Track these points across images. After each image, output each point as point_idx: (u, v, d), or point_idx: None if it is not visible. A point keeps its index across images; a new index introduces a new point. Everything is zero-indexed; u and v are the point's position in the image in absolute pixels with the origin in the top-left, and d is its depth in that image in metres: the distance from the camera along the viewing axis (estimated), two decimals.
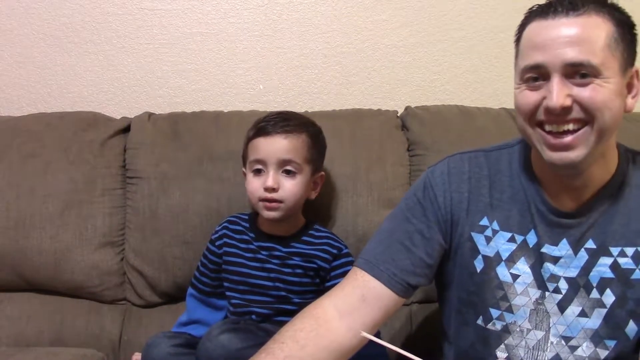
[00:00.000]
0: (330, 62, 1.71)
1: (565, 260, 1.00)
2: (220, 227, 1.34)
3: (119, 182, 1.48)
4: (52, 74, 1.70)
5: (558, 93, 0.89)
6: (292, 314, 1.07)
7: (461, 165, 1.08)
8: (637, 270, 0.98)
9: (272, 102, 1.71)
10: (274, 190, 1.23)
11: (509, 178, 1.05)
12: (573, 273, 1.00)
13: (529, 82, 0.94)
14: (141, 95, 1.71)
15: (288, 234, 1.30)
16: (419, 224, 1.06)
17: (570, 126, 0.91)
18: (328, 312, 1.02)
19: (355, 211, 1.43)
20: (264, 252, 1.28)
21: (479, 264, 1.05)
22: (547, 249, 1.01)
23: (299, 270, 1.26)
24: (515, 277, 1.02)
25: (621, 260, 0.99)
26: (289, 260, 1.27)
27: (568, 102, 0.89)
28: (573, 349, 1.01)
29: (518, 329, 1.03)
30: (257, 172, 1.26)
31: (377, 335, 1.09)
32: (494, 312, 1.04)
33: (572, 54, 0.89)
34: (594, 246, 1.00)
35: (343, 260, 1.28)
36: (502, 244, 1.03)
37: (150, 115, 1.56)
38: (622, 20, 0.93)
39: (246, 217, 1.34)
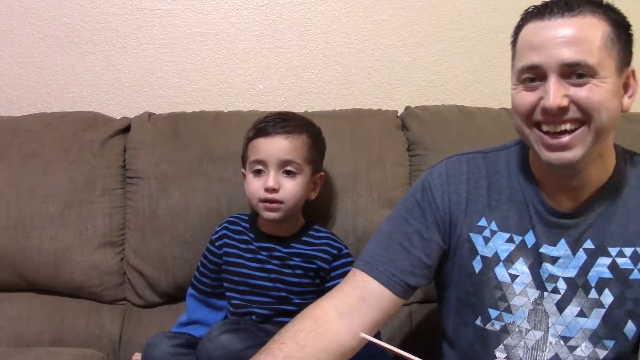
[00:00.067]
0: (330, 62, 1.71)
1: (564, 260, 1.00)
2: (220, 228, 1.34)
3: (119, 182, 1.48)
4: (52, 74, 1.70)
5: (555, 93, 0.89)
6: (292, 314, 1.07)
7: (459, 166, 1.08)
8: (636, 271, 0.98)
9: (272, 102, 1.71)
10: (274, 190, 1.23)
11: (507, 179, 1.05)
12: (571, 273, 1.00)
13: (525, 82, 0.94)
14: (141, 95, 1.71)
15: (288, 235, 1.30)
16: (418, 225, 1.06)
17: (568, 126, 0.91)
18: (328, 312, 1.02)
19: (355, 211, 1.43)
20: (264, 253, 1.28)
21: (477, 265, 1.05)
22: (545, 249, 1.01)
23: (299, 271, 1.26)
24: (513, 277, 1.03)
25: (619, 261, 0.99)
26: (289, 260, 1.27)
27: (565, 102, 0.90)
28: (572, 349, 1.01)
29: (517, 329, 1.03)
30: (257, 172, 1.26)
31: (377, 335, 1.09)
32: (493, 313, 1.04)
33: (568, 54, 0.89)
34: (593, 246, 1.00)
35: (343, 260, 1.28)
36: (501, 244, 1.03)
37: (150, 115, 1.56)
38: (617, 21, 0.93)
39: (246, 218, 1.34)
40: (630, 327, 0.99)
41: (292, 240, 1.29)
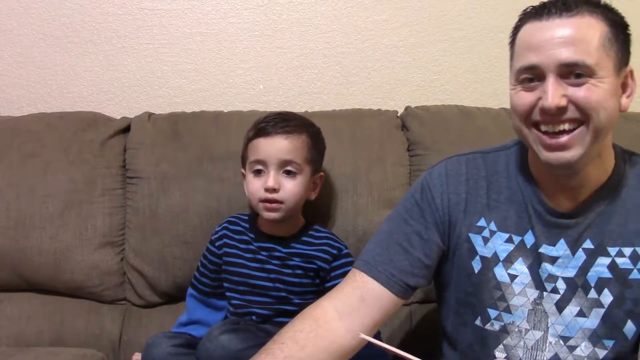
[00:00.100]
0: (330, 62, 1.71)
1: (563, 260, 1.00)
2: (220, 228, 1.34)
3: (119, 182, 1.48)
4: (52, 74, 1.70)
5: (553, 93, 0.90)
6: (292, 314, 1.07)
7: (458, 167, 1.08)
8: (635, 271, 0.98)
9: (272, 102, 1.71)
10: (274, 190, 1.23)
11: (506, 179, 1.06)
12: (571, 273, 1.00)
13: (524, 83, 0.94)
14: (141, 95, 1.71)
15: (288, 235, 1.30)
16: (417, 225, 1.06)
17: (566, 126, 0.91)
18: (327, 313, 1.02)
19: (355, 211, 1.43)
20: (263, 253, 1.28)
21: (476, 265, 1.05)
22: (544, 249, 1.01)
23: (299, 271, 1.26)
24: (513, 277, 1.03)
25: (619, 260, 0.99)
26: (289, 260, 1.27)
27: (563, 102, 0.90)
28: (571, 348, 1.01)
29: (516, 329, 1.03)
30: (257, 172, 1.26)
31: (377, 335, 1.09)
32: (492, 313, 1.04)
33: (566, 54, 0.89)
34: (592, 246, 1.00)
35: (343, 260, 1.28)
36: (500, 244, 1.04)
37: (150, 115, 1.56)
38: (615, 21, 0.93)
39: (246, 218, 1.34)
40: (629, 327, 0.99)
41: (292, 240, 1.29)
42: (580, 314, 1.00)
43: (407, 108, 1.59)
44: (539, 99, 0.92)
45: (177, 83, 1.70)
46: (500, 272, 1.03)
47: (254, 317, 1.26)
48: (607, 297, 0.99)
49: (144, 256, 1.44)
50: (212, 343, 1.11)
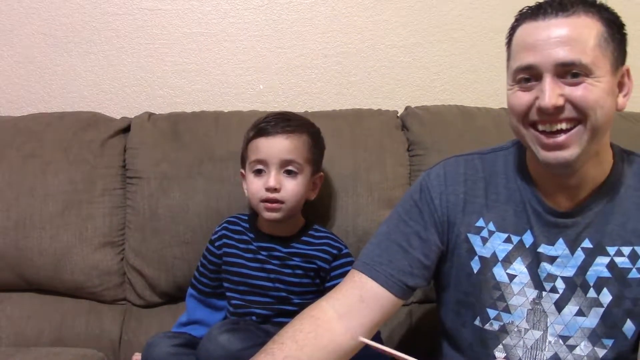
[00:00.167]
0: (330, 62, 1.71)
1: (562, 259, 1.01)
2: (219, 228, 1.34)
3: (119, 182, 1.49)
4: (52, 74, 1.70)
5: (550, 93, 0.90)
6: (292, 314, 1.07)
7: (457, 167, 1.08)
8: (634, 270, 0.99)
9: (272, 102, 1.71)
10: (275, 190, 1.23)
11: (504, 179, 1.06)
12: (570, 272, 1.00)
13: (521, 82, 0.95)
14: (141, 95, 1.71)
15: (288, 235, 1.30)
16: (416, 226, 1.06)
17: (563, 125, 0.92)
18: (327, 313, 1.02)
19: (355, 211, 1.43)
20: (263, 253, 1.28)
21: (475, 265, 1.05)
22: (543, 248, 1.01)
23: (299, 271, 1.26)
24: (512, 277, 1.03)
25: (618, 260, 0.99)
26: (289, 260, 1.27)
27: (560, 101, 0.90)
28: (571, 348, 1.01)
29: (516, 329, 1.03)
30: (258, 172, 1.26)
31: (377, 335, 1.09)
32: (491, 313, 1.04)
33: (563, 54, 0.90)
34: (591, 245, 1.00)
35: (343, 260, 1.28)
36: (499, 244, 1.04)
37: (150, 115, 1.56)
38: (611, 20, 0.94)
39: (246, 218, 1.34)
40: (629, 326, 1.00)
41: (292, 240, 1.29)
42: (580, 313, 1.00)
43: (407, 108, 1.59)
44: (536, 98, 0.92)
45: (177, 83, 1.70)
46: (499, 272, 1.03)
47: (253, 317, 1.26)
48: (606, 297, 0.99)
49: (144, 256, 1.44)
50: (212, 343, 1.11)
